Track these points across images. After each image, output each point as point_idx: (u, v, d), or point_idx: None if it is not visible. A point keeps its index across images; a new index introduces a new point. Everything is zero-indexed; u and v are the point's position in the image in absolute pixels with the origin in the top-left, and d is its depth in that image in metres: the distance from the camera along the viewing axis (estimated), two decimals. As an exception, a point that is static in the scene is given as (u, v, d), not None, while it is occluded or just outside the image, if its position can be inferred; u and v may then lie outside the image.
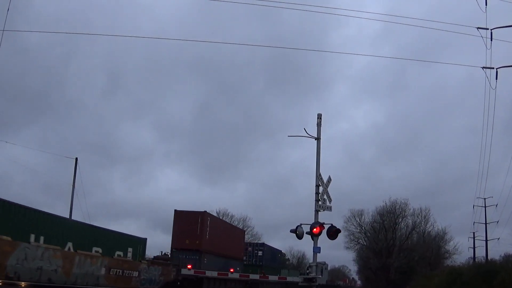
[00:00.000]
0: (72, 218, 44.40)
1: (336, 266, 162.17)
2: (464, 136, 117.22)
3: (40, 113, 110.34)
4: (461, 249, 74.68)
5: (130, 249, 30.40)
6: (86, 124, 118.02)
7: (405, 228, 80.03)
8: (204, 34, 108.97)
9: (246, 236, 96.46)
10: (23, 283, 24.28)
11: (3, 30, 19.09)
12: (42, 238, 21.90)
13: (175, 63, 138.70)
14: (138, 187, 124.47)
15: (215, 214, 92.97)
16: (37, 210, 22.90)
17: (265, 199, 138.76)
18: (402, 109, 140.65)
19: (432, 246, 77.85)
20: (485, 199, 58.12)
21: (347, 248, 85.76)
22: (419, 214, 78.86)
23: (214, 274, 42.19)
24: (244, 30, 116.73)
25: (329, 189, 21.12)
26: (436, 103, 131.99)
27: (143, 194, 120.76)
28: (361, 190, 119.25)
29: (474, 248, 65.49)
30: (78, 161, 45.97)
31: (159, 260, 31.49)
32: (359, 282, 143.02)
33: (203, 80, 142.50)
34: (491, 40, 24.24)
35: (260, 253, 67.28)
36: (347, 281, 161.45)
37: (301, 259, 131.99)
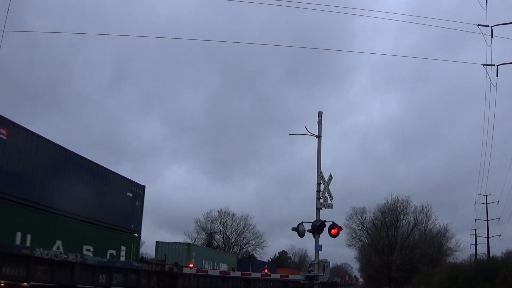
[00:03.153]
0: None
1: (338, 264, 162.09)
2: (481, 131, 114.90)
3: (46, 108, 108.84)
4: (463, 246, 74.80)
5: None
6: (92, 119, 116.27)
7: (407, 225, 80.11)
8: (223, 19, 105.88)
9: (247, 235, 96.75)
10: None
11: (3, 31, 19.05)
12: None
13: (189, 51, 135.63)
14: (145, 184, 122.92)
15: (216, 213, 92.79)
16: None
17: (274, 197, 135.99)
18: (421, 101, 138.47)
19: (433, 244, 77.85)
20: (486, 196, 58.15)
21: (349, 245, 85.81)
22: (420, 212, 78.97)
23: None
24: (266, 14, 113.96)
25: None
26: (457, 96, 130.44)
27: (150, 191, 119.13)
28: (374, 186, 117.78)
29: (475, 245, 65.53)
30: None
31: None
32: (361, 280, 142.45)
33: (218, 69, 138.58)
34: (492, 37, 24.27)
35: None
36: (347, 278, 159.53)
37: (303, 257, 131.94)
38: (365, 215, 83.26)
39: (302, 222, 20.26)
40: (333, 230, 20.24)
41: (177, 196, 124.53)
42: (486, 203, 59.13)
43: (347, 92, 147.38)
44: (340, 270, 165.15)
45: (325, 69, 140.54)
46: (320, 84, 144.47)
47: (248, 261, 70.06)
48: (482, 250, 62.76)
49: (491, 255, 54.45)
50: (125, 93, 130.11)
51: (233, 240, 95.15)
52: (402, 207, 78.33)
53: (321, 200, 20.58)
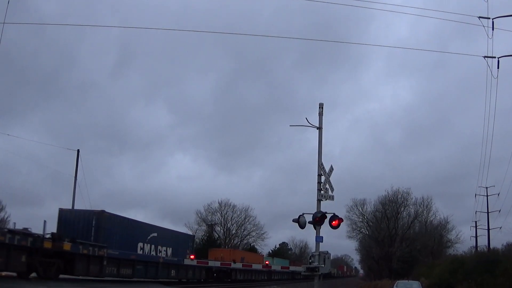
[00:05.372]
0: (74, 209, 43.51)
1: (339, 255, 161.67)
2: (490, 122, 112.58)
3: (49, 96, 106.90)
4: (463, 238, 74.89)
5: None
6: (96, 107, 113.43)
7: (407, 217, 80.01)
8: (236, 1, 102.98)
9: (248, 227, 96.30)
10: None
11: (4, 23, 19.06)
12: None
13: (199, 34, 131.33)
14: (148, 174, 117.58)
15: (216, 205, 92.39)
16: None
17: (280, 187, 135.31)
18: (436, 89, 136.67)
19: (434, 235, 77.96)
20: (487, 188, 58.16)
21: (349, 237, 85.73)
22: (421, 203, 78.94)
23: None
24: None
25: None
26: (471, 85, 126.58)
27: (154, 181, 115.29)
28: (382, 177, 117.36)
29: (476, 237, 65.67)
30: (80, 153, 45.80)
31: None
32: (361, 272, 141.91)
33: (229, 54, 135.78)
34: (493, 29, 24.18)
35: None
36: (345, 269, 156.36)
37: (303, 248, 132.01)
38: (365, 206, 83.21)
39: (303, 214, 20.29)
40: (334, 222, 20.27)
41: (181, 186, 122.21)
42: (487, 195, 59.17)
43: (361, 78, 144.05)
44: (341, 262, 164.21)
45: (340, 53, 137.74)
46: (334, 69, 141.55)
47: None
48: (482, 242, 63.00)
49: (491, 247, 54.70)
50: (130, 78, 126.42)
51: (233, 231, 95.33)
52: (402, 199, 78.30)
53: (322, 192, 20.60)
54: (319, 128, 21.41)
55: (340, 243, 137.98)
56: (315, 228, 20.18)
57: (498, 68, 25.42)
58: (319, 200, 20.50)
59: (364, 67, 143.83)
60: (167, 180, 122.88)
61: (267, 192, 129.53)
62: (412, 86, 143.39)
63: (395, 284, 36.40)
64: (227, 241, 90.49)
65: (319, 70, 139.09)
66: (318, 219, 19.90)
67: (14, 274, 25.52)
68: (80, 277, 30.53)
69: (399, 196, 78.05)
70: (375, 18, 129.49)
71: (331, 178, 21.05)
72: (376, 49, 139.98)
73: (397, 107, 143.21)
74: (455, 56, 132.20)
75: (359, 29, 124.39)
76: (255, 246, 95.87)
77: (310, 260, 20.59)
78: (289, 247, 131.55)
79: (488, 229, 59.68)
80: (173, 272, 41.47)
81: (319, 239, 20.32)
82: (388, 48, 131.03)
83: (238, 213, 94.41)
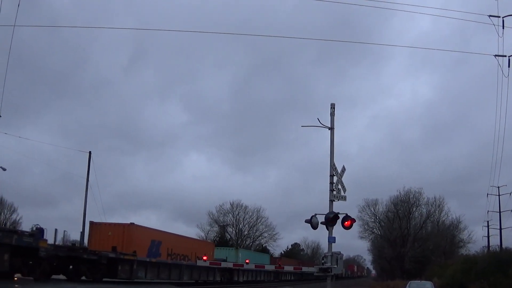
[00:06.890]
0: (86, 212, 43.18)
1: (351, 256, 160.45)
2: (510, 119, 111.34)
3: (62, 95, 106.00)
4: (476, 238, 74.54)
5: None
6: (109, 106, 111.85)
7: (419, 217, 79.78)
8: None
9: (260, 228, 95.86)
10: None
11: (14, 26, 19.45)
12: None
13: (216, 29, 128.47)
14: (162, 174, 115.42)
15: (228, 206, 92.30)
16: None
17: (296, 187, 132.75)
18: (457, 85, 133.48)
19: (446, 235, 77.68)
20: (498, 187, 57.87)
21: (362, 237, 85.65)
22: (433, 203, 78.70)
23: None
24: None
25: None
26: (492, 81, 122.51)
27: (167, 182, 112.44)
28: (399, 175, 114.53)
29: (488, 237, 65.32)
30: (92, 153, 45.77)
31: None
32: (373, 272, 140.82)
33: (246, 49, 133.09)
34: (503, 28, 24.18)
35: None
36: (355, 269, 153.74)
37: (315, 249, 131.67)
38: (377, 207, 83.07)
39: (316, 214, 20.35)
40: (346, 222, 20.33)
41: (195, 186, 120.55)
42: (499, 195, 58.89)
43: (381, 74, 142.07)
44: (353, 262, 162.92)
45: (359, 49, 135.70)
46: (352, 65, 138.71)
47: None
48: (494, 242, 62.66)
49: (503, 247, 54.39)
50: (144, 76, 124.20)
51: (245, 232, 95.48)
52: (414, 199, 78.15)
53: (334, 192, 20.68)
54: (331, 129, 21.48)
55: (353, 244, 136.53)
56: (327, 228, 20.25)
57: (509, 66, 25.44)
58: (331, 201, 20.58)
59: (384, 62, 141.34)
60: (181, 180, 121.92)
61: (281, 192, 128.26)
62: (432, 82, 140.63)
63: (407, 285, 36.35)
64: (239, 242, 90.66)
65: (337, 66, 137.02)
66: (330, 220, 19.97)
67: None
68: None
69: (411, 196, 77.98)
70: (397, 10, 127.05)
71: (343, 179, 21.12)
72: (399, 42, 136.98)
73: (416, 104, 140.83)
74: (478, 49, 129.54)
75: (382, 22, 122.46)
76: (267, 247, 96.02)
77: (323, 261, 20.67)
78: (302, 247, 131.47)
79: (500, 229, 59.44)
80: None
81: (331, 239, 20.38)
82: (411, 40, 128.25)
83: (250, 214, 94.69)
